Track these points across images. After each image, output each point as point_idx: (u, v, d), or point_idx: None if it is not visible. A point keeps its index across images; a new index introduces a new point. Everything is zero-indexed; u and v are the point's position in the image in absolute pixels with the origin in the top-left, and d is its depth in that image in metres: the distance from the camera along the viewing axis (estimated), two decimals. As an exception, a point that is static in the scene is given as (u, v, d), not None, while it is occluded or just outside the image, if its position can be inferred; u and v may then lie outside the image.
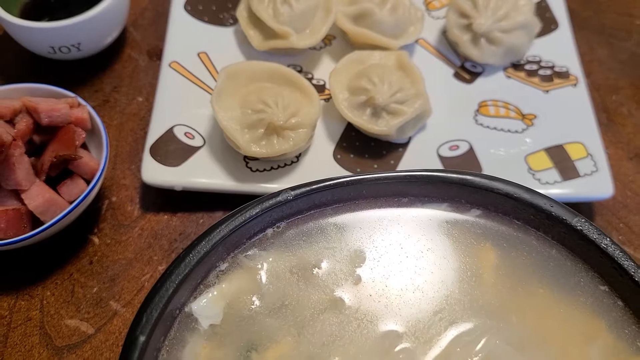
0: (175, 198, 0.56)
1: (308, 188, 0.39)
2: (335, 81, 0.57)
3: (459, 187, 0.40)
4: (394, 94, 0.55)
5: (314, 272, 0.38)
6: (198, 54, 0.61)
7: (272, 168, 0.55)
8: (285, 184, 0.54)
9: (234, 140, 0.52)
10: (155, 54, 0.65)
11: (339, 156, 0.57)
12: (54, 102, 0.50)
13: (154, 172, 0.53)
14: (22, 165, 0.47)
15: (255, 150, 0.52)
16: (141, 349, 0.33)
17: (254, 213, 0.38)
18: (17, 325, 0.49)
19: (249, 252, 0.39)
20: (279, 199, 0.38)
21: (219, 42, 0.63)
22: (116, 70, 0.64)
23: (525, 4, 0.61)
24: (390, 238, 0.40)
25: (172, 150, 0.55)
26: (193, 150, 0.55)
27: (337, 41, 0.65)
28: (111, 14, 0.59)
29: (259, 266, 0.38)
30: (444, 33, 0.65)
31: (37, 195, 0.47)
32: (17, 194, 0.49)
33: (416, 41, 0.65)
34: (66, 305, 0.50)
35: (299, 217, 0.40)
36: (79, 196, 0.49)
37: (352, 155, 0.57)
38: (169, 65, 0.60)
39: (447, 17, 0.63)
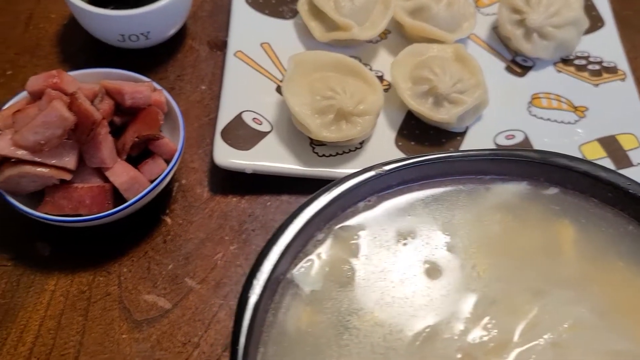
0: (242, 181, 0.58)
1: (400, 164, 0.41)
2: (397, 71, 0.59)
3: (539, 165, 0.42)
4: (455, 84, 0.57)
5: (405, 243, 0.40)
6: (261, 44, 0.63)
7: (337, 154, 0.57)
8: (350, 169, 0.56)
9: (306, 125, 0.54)
10: (216, 45, 0.67)
11: (400, 143, 0.59)
12: (136, 84, 0.52)
13: (226, 155, 0.55)
14: (107, 144, 0.49)
15: (326, 134, 0.54)
16: (253, 309, 0.35)
17: (349, 186, 0.40)
18: (96, 300, 0.51)
19: (343, 224, 0.41)
20: (372, 173, 0.40)
21: (280, 33, 0.65)
22: (179, 59, 0.66)
23: (575, 1, 0.64)
24: (473, 214, 0.42)
25: (241, 134, 0.57)
26: (262, 135, 0.57)
27: (392, 35, 0.67)
28: (180, 3, 0.61)
29: (353, 237, 0.40)
30: (494, 28, 0.68)
31: (122, 173, 0.49)
32: (99, 172, 0.50)
33: (468, 36, 0.67)
34: (143, 281, 0.52)
35: (387, 192, 0.42)
36: (160, 175, 0.51)
37: (412, 143, 0.59)
38: (234, 55, 0.62)
39: (500, 13, 0.65)
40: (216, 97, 0.63)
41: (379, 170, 0.40)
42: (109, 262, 0.53)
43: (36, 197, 0.50)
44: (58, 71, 0.50)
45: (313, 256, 0.39)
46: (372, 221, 0.41)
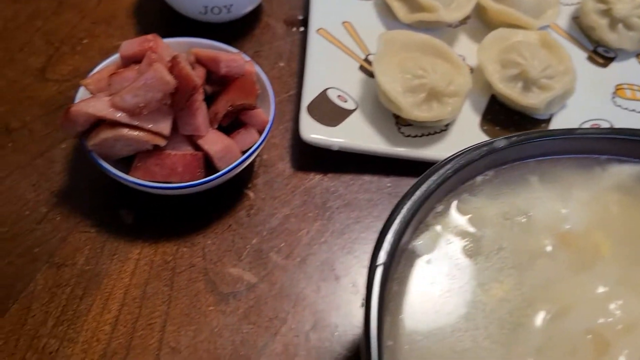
0: (323, 158, 0.57)
1: (522, 137, 0.40)
2: (484, 55, 0.58)
3: (660, 147, 0.41)
4: (544, 69, 0.56)
5: (524, 220, 0.39)
6: (342, 23, 0.62)
7: (422, 135, 0.56)
8: (436, 150, 0.55)
9: (396, 103, 0.53)
10: (292, 23, 0.66)
11: (485, 127, 0.58)
12: (230, 54, 0.51)
13: (313, 131, 0.54)
14: (202, 111, 0.48)
15: (417, 113, 0.53)
16: (382, 276, 0.34)
17: (470, 158, 0.39)
18: (181, 271, 0.50)
19: (462, 197, 0.40)
20: (493, 145, 0.39)
21: (361, 13, 0.64)
22: (256, 36, 0.65)
23: (660, -8, 0.63)
24: (590, 193, 0.41)
25: (327, 111, 0.56)
26: (347, 112, 0.56)
27: (472, 20, 0.66)
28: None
29: (472, 210, 0.39)
30: (575, 18, 0.67)
31: (217, 141, 0.48)
32: (190, 140, 0.49)
33: (548, 25, 0.66)
34: (227, 254, 0.51)
35: (504, 167, 0.41)
36: (252, 146, 0.50)
37: (497, 128, 0.58)
38: (317, 32, 0.61)
39: (583, 2, 0.64)
40: (294, 74, 0.62)
41: (500, 143, 0.39)
42: (192, 234, 0.52)
43: (122, 164, 0.49)
44: (153, 35, 0.50)
45: (433, 228, 0.38)
46: (490, 195, 0.40)
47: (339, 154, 0.56)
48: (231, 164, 0.49)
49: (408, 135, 0.56)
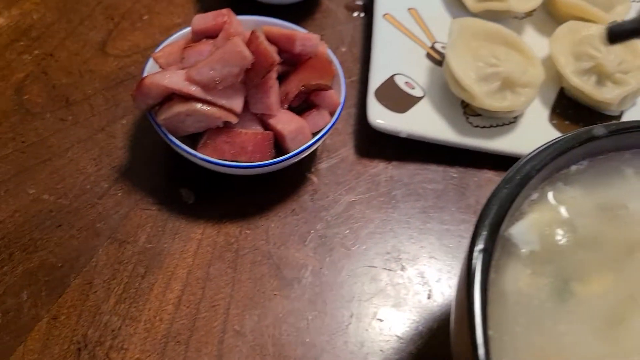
0: (387, 146, 0.55)
1: (622, 126, 0.38)
2: (556, 47, 0.57)
3: None
4: (620, 64, 0.55)
5: (621, 213, 0.38)
6: (408, 10, 0.61)
7: (491, 126, 0.55)
8: (504, 143, 0.54)
9: (469, 90, 0.52)
10: (352, 8, 0.65)
11: (554, 121, 0.56)
12: (304, 33, 0.50)
13: (381, 116, 0.53)
14: (275, 90, 0.47)
15: (490, 102, 0.52)
16: (484, 263, 0.32)
17: (571, 144, 0.37)
18: (245, 253, 0.48)
19: (556, 185, 0.38)
20: (592, 133, 0.38)
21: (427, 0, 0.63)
22: (317, 19, 0.64)
23: None
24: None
25: (394, 97, 0.54)
26: (415, 100, 0.55)
27: (538, 13, 0.64)
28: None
29: (568, 200, 0.38)
30: (644, 15, 0.65)
31: (290, 121, 0.47)
32: (259, 119, 0.48)
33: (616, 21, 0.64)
34: (291, 238, 0.49)
35: (600, 157, 0.39)
36: (322, 128, 0.49)
37: (567, 122, 0.56)
38: (383, 17, 0.59)
39: (655, -2, 0.63)
40: (357, 60, 0.61)
41: (599, 131, 0.38)
42: (255, 216, 0.50)
43: (186, 142, 0.48)
44: (227, 10, 0.48)
45: (529, 216, 0.37)
46: (585, 186, 0.38)
47: (402, 142, 0.54)
48: (302, 145, 0.47)
49: (476, 126, 0.54)
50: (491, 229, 0.34)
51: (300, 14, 0.64)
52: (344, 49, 0.62)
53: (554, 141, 0.37)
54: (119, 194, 0.50)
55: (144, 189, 0.50)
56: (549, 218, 0.37)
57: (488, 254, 0.33)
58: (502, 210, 0.34)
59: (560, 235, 0.36)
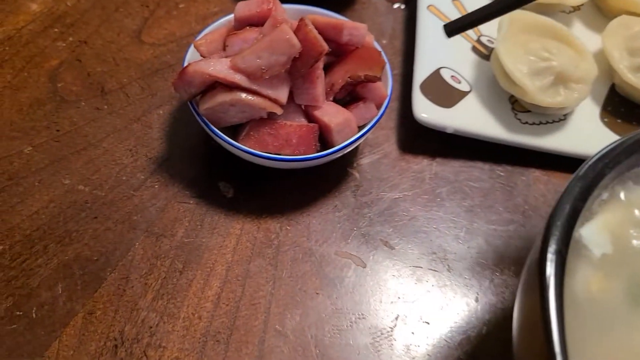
0: (431, 141, 0.53)
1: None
2: (609, 42, 0.54)
3: None
4: (677, 60, 0.52)
5: (696, 215, 0.35)
6: (453, 1, 0.59)
7: (540, 122, 0.52)
8: (554, 140, 0.52)
9: (522, 85, 0.49)
10: (393, 0, 0.63)
11: (605, 119, 0.54)
12: (352, 22, 0.48)
13: (427, 111, 0.51)
14: (321, 81, 0.45)
15: (542, 98, 0.50)
16: (558, 267, 0.30)
17: (642, 142, 0.35)
18: (285, 250, 0.46)
19: (627, 185, 0.36)
20: (668, 131, 0.35)
21: (472, -9, 0.61)
22: (357, 10, 0.62)
23: None
24: None
25: (441, 91, 0.52)
26: (461, 94, 0.53)
27: (586, 7, 0.62)
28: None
29: (638, 200, 0.35)
30: (696, 12, 0.63)
31: (337, 113, 0.45)
32: (303, 111, 0.46)
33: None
34: (334, 236, 0.47)
35: (673, 155, 0.37)
36: (368, 122, 0.47)
37: (619, 120, 0.54)
38: (427, 8, 0.57)
39: None
40: (398, 53, 0.59)
41: (674, 129, 0.36)
42: (296, 212, 0.48)
43: (226, 133, 0.46)
44: (273, -3, 0.46)
45: (600, 216, 0.34)
46: (658, 186, 0.36)
47: (447, 137, 0.52)
48: (348, 139, 0.45)
49: (525, 122, 0.52)
50: (564, 229, 0.32)
51: (340, 5, 0.62)
52: (384, 41, 0.60)
53: (627, 138, 0.35)
54: (156, 186, 0.48)
55: (181, 181, 0.49)
56: (621, 218, 0.35)
57: (562, 256, 0.31)
58: (576, 209, 0.32)
59: (634, 237, 0.34)
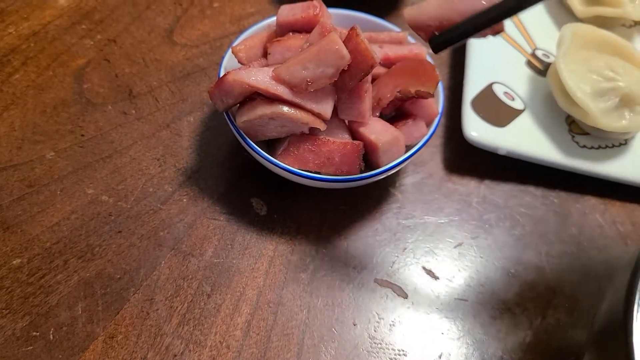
0: (480, 162, 0.50)
1: None
2: (675, 61, 0.50)
3: None
4: None
5: None
6: (507, 12, 0.55)
7: (599, 147, 0.49)
8: (615, 167, 0.48)
9: (584, 106, 0.46)
10: (440, 6, 0.59)
11: (670, 146, 0.50)
12: (394, 32, 0.44)
13: (477, 129, 0.47)
14: (369, 95, 0.42)
15: (606, 122, 0.46)
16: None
17: None
18: (321, 276, 0.43)
19: None
20: None
21: (527, 1, 0.56)
22: (401, 17, 0.58)
23: None
24: None
25: (493, 109, 0.48)
26: (515, 113, 0.49)
27: (648, 21, 0.58)
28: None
29: None
30: None
31: (385, 131, 0.41)
32: (346, 127, 0.43)
33: None
34: (374, 261, 0.44)
35: None
36: (418, 141, 0.43)
37: (684, 147, 0.50)
38: (479, 18, 0.53)
39: None
40: (445, 64, 0.55)
41: None
42: (333, 234, 0.45)
43: (261, 147, 0.42)
44: (319, 1, 0.43)
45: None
46: None
47: (497, 158, 0.49)
48: (395, 159, 0.42)
49: (583, 146, 0.48)
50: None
51: (384, 9, 0.58)
52: (429, 51, 0.56)
53: None
54: (184, 200, 0.45)
55: (211, 195, 0.45)
56: None
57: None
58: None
59: None
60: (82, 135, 0.47)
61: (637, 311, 0.27)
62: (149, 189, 0.45)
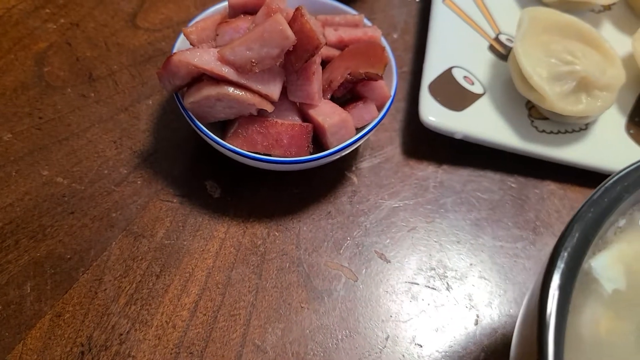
0: (439, 146, 0.49)
1: None
2: (640, 46, 0.50)
3: None
4: None
5: None
6: (471, -6, 0.55)
7: (559, 132, 0.48)
8: (573, 152, 0.47)
9: (540, 91, 0.45)
10: (408, -8, 0.59)
11: (631, 131, 0.49)
12: (347, 15, 0.44)
13: (435, 113, 0.47)
14: (318, 77, 0.41)
15: (563, 106, 0.45)
16: (558, 306, 0.26)
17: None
18: (271, 258, 0.43)
19: (648, 211, 0.32)
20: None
21: (493, -15, 0.56)
22: (368, 2, 0.58)
23: None
24: None
25: (451, 93, 0.48)
26: (474, 97, 0.49)
27: (618, 6, 0.57)
28: None
29: (662, 229, 0.31)
30: None
31: (333, 113, 0.41)
32: (297, 109, 0.43)
33: None
34: (325, 245, 0.44)
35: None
36: (368, 123, 0.43)
37: (647, 133, 0.50)
38: (443, 2, 0.53)
39: None
40: (409, 49, 0.55)
41: None
42: (286, 217, 0.45)
43: (214, 129, 0.43)
44: (270, -16, 0.43)
45: (615, 246, 0.30)
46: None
47: (456, 143, 0.48)
48: (344, 141, 0.42)
49: (542, 131, 0.48)
50: (571, 261, 0.28)
51: (350, -5, 0.58)
52: (395, 36, 0.56)
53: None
54: (138, 182, 0.45)
55: (165, 178, 0.46)
56: (638, 250, 0.31)
57: (566, 292, 0.27)
58: (586, 239, 0.28)
59: (652, 272, 0.30)
60: (40, 118, 0.47)
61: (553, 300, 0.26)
62: (104, 171, 0.45)
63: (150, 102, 0.49)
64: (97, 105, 0.48)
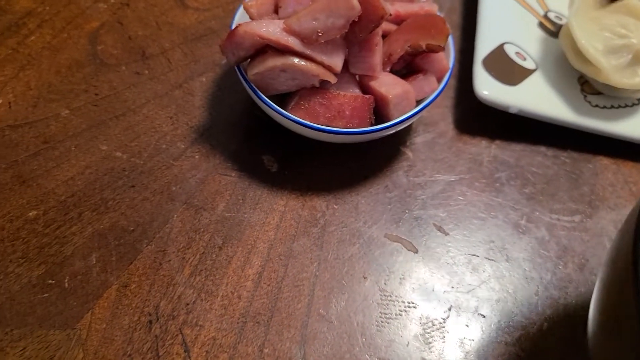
0: (490, 122, 0.49)
1: None
2: (692, 20, 0.50)
3: None
4: None
5: None
6: (518, -27, 0.55)
7: (612, 106, 0.48)
8: (627, 126, 0.48)
9: (596, 64, 0.45)
10: (452, -28, 0.59)
11: (685, 106, 0.50)
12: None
13: (489, 88, 0.47)
14: (380, 49, 0.42)
15: (618, 78, 0.45)
16: None
17: None
18: (332, 230, 0.43)
19: None
20: None
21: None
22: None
23: None
24: None
25: (504, 68, 0.48)
26: (527, 72, 0.49)
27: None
28: None
29: None
30: None
31: (395, 85, 0.42)
32: (357, 81, 0.43)
33: None
34: (384, 217, 0.44)
35: None
36: (428, 96, 0.43)
37: (699, 107, 0.50)
38: (491, -21, 0.53)
39: None
40: (457, 27, 0.55)
41: None
42: (344, 190, 0.45)
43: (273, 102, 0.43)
44: (330, -43, 0.43)
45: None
46: None
47: (508, 118, 0.49)
48: (406, 113, 0.42)
49: (595, 105, 0.48)
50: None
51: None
52: (442, 15, 0.56)
53: None
54: (196, 157, 0.45)
55: (223, 152, 0.46)
56: None
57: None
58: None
59: None
60: (96, 95, 0.47)
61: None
62: (162, 146, 0.46)
63: (204, 79, 0.49)
64: (152, 82, 0.49)
